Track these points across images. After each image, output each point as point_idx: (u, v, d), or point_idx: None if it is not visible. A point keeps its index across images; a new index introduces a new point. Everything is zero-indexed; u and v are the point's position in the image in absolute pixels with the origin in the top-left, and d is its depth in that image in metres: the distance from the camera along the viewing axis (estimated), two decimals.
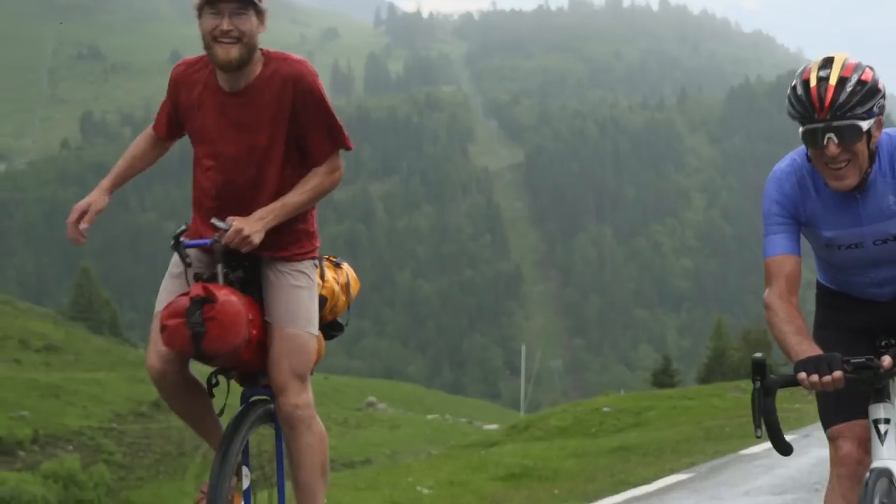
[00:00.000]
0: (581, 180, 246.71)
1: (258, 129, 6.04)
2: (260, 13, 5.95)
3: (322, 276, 6.44)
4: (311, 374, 6.22)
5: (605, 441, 21.66)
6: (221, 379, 6.16)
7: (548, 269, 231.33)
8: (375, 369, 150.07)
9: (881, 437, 4.85)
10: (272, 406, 6.16)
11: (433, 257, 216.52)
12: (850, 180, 5.02)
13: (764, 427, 4.68)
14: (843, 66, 4.97)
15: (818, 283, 5.86)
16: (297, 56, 6.17)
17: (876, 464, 4.83)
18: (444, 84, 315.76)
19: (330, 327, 6.62)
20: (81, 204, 6.12)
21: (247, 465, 6.07)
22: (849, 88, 4.91)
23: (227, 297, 5.72)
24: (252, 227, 5.86)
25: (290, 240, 6.13)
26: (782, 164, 5.41)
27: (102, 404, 41.38)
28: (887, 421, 4.86)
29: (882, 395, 4.87)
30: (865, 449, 5.08)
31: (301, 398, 5.98)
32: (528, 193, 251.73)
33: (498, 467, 17.50)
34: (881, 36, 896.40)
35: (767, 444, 13.87)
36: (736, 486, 12.60)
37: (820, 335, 5.48)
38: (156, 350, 6.00)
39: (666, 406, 27.86)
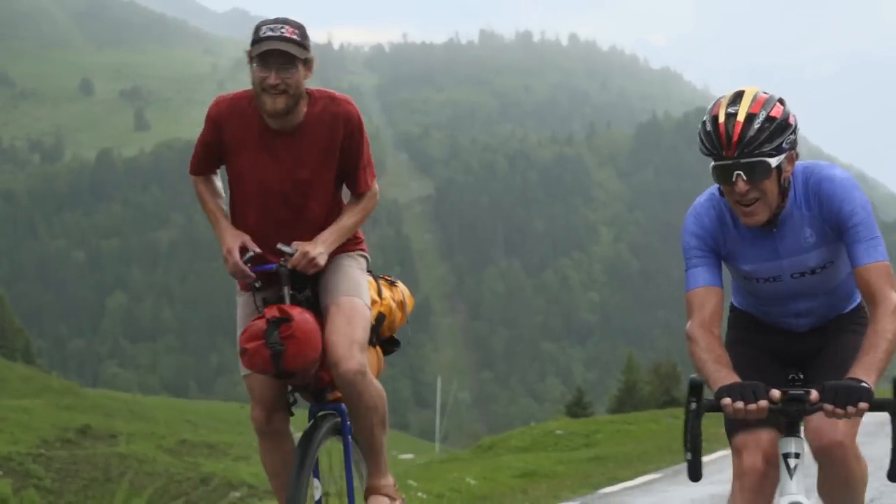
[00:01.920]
0: (490, 213, 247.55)
1: (307, 166, 6.30)
2: (307, 63, 6.20)
3: (379, 294, 6.74)
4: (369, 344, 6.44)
5: (576, 454, 23.92)
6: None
7: (456, 301, 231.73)
8: None
9: (790, 472, 4.82)
10: (339, 420, 6.42)
11: None
12: (760, 216, 5.03)
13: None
14: (753, 102, 4.96)
15: (732, 306, 5.82)
16: (342, 94, 6.48)
17: (786, 499, 4.81)
18: None
19: (388, 343, 6.92)
20: (230, 246, 6.27)
21: (317, 478, 6.29)
22: (756, 125, 4.89)
23: (302, 315, 6.02)
24: (317, 249, 6.18)
25: (338, 248, 6.41)
26: (702, 198, 5.40)
27: (30, 431, 41.73)
28: (797, 455, 4.82)
29: (794, 430, 4.85)
30: (770, 462, 5.11)
31: (359, 363, 6.17)
32: (437, 226, 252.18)
33: (510, 469, 19.87)
34: (787, 73, 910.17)
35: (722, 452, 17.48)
36: (712, 475, 13.97)
37: (733, 352, 5.37)
38: (257, 402, 6.28)
39: (610, 430, 29.91)
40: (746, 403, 4.58)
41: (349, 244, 6.55)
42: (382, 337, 6.78)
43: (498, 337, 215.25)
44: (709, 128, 4.93)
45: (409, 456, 56.07)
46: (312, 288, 6.35)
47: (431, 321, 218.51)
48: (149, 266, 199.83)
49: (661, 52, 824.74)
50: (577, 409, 56.78)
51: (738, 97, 4.97)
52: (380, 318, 6.67)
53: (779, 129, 4.89)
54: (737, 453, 5.20)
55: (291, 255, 6.14)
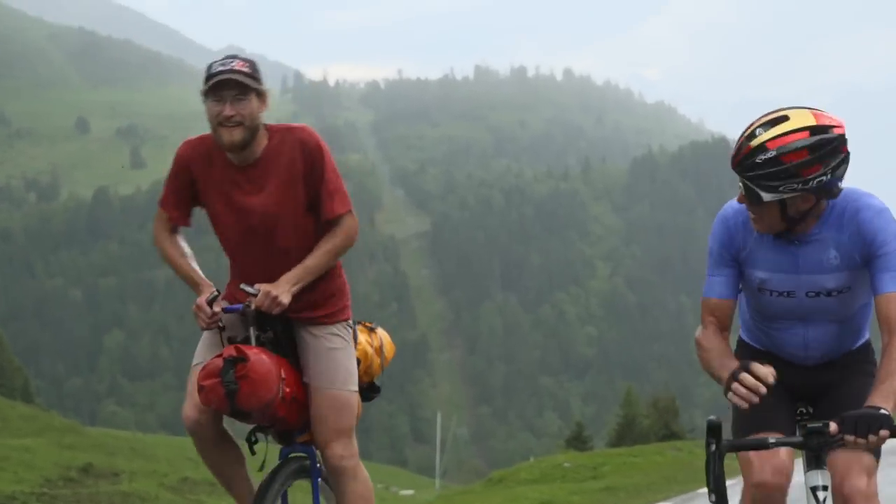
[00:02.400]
0: (487, 248, 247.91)
1: (272, 198, 6.32)
2: (261, 95, 6.24)
3: (355, 339, 6.68)
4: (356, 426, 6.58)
5: (586, 485, 24.65)
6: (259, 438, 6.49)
7: (454, 336, 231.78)
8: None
9: None
10: (307, 462, 6.49)
11: None
12: (760, 227, 5.14)
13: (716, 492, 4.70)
14: (781, 135, 4.93)
15: (739, 340, 5.82)
16: (299, 125, 6.50)
17: None
18: (350, 152, 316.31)
19: (367, 389, 6.94)
20: (202, 301, 6.27)
21: None
22: (760, 159, 4.92)
23: (258, 357, 6.02)
24: (280, 289, 6.14)
25: (319, 298, 6.41)
26: (732, 201, 5.39)
27: (33, 470, 41.55)
28: (825, 488, 4.89)
29: (821, 463, 4.91)
30: (783, 473, 5.19)
31: (346, 449, 6.31)
32: (434, 261, 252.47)
33: (527, 499, 20.86)
34: (780, 105, 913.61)
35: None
36: (703, 498, 16.10)
37: None
38: (191, 401, 6.29)
39: (617, 462, 30.49)
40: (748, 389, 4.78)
41: (334, 309, 6.54)
42: (361, 383, 6.79)
43: (495, 372, 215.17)
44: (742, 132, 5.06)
45: (409, 492, 56.12)
46: (277, 332, 6.39)
47: (429, 357, 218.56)
48: (146, 304, 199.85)
49: (655, 86, 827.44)
50: (577, 443, 56.97)
51: (776, 122, 5.00)
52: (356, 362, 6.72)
53: (783, 174, 4.90)
54: (746, 466, 5.28)
55: (255, 295, 6.18)
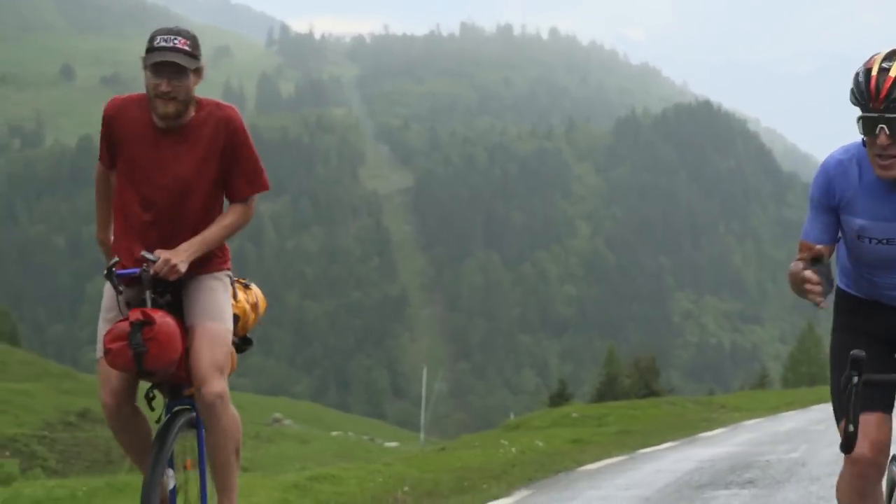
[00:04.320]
0: (469, 206, 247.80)
1: (188, 165, 6.56)
2: (197, 70, 6.53)
3: (234, 297, 6.96)
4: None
5: (602, 429, 27.21)
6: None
7: (434, 292, 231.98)
8: (261, 387, 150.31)
9: None
10: (193, 415, 6.63)
11: (321, 278, 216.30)
12: (886, 170, 5.08)
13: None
14: None
15: (837, 289, 5.76)
16: (228, 103, 6.81)
17: None
18: (335, 106, 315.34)
19: (242, 342, 7.12)
20: (102, 237, 6.91)
21: (171, 468, 6.54)
22: None
23: (164, 319, 6.28)
24: (178, 257, 6.37)
25: (204, 259, 6.63)
26: (836, 151, 5.39)
27: (33, 413, 42.81)
28: None
29: None
30: (879, 448, 5.28)
31: (220, 387, 6.42)
32: (416, 218, 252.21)
33: (559, 438, 23.23)
34: (764, 70, 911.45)
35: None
36: (705, 445, 21.01)
37: (839, 338, 5.58)
38: (108, 387, 6.46)
39: (618, 414, 32.82)
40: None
41: (215, 263, 6.80)
42: (237, 336, 7.00)
43: (475, 329, 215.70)
44: (861, 79, 5.03)
45: (393, 444, 57.23)
46: (174, 293, 6.59)
47: (409, 312, 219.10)
48: None
49: (640, 46, 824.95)
50: (560, 400, 57.83)
51: (894, 54, 5.03)
52: (234, 319, 6.90)
53: None
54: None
55: (154, 261, 6.35)
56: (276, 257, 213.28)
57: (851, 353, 4.71)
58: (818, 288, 4.98)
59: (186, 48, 6.45)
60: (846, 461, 5.34)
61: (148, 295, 6.41)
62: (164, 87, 6.41)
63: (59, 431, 42.01)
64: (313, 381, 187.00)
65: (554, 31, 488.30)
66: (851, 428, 4.70)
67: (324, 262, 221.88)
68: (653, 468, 15.70)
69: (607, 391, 61.39)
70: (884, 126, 4.93)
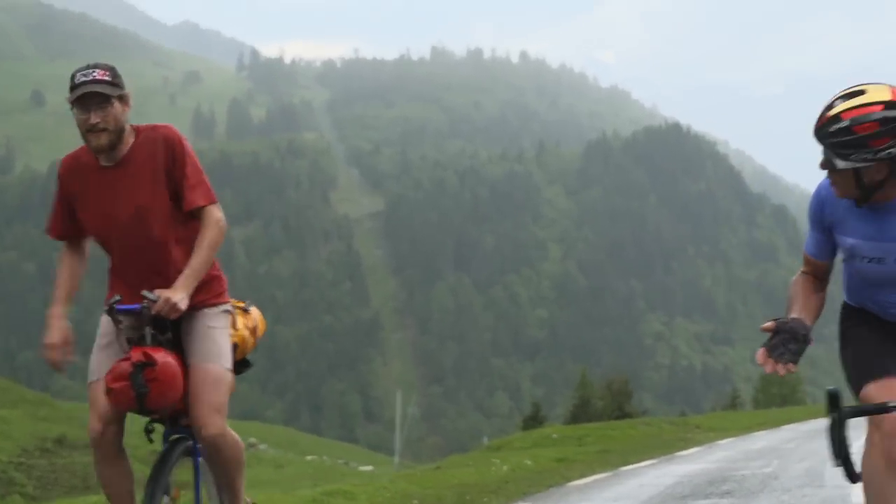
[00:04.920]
0: (440, 229, 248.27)
1: (141, 192, 6.58)
2: (123, 98, 6.56)
3: (234, 325, 7.02)
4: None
5: (584, 448, 27.83)
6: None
7: (406, 316, 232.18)
8: (234, 412, 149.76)
9: None
10: (190, 443, 6.68)
11: (293, 303, 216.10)
12: (839, 192, 5.29)
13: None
14: (855, 107, 5.09)
15: (843, 304, 5.93)
16: (163, 124, 6.81)
17: None
18: (306, 131, 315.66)
19: (239, 364, 7.14)
20: (54, 340, 6.61)
21: (167, 495, 6.55)
22: (834, 128, 5.10)
23: (165, 359, 6.33)
24: (178, 295, 6.36)
25: (199, 287, 6.62)
26: None
27: (10, 440, 42.59)
28: None
29: None
30: None
31: (219, 428, 6.51)
32: (387, 241, 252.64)
33: (544, 458, 23.72)
34: (734, 93, 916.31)
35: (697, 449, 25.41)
36: (683, 462, 21.24)
37: (850, 335, 5.76)
38: (96, 414, 6.51)
39: (597, 434, 33.15)
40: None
41: (213, 295, 6.83)
42: (235, 360, 7.05)
43: (447, 352, 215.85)
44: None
45: (368, 468, 57.26)
46: (173, 330, 6.63)
47: (381, 336, 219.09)
48: (100, 279, 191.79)
49: (610, 69, 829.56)
50: (534, 422, 57.95)
51: (854, 95, 5.18)
52: (233, 348, 6.94)
53: (852, 144, 5.10)
54: (877, 418, 5.38)
55: (155, 301, 6.37)
56: (247, 282, 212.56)
57: (827, 389, 4.91)
58: (769, 363, 5.16)
59: (106, 78, 6.52)
60: (871, 431, 5.36)
61: (147, 332, 6.47)
62: (92, 120, 6.47)
63: (36, 458, 41.90)
64: (286, 405, 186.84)
65: (524, 55, 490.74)
66: (838, 463, 4.93)
67: (295, 286, 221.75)
68: (636, 483, 16.43)
69: (581, 413, 61.57)
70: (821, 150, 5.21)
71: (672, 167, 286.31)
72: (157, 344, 6.47)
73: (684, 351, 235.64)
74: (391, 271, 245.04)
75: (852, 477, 5.07)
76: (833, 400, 4.87)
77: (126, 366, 6.26)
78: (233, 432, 6.70)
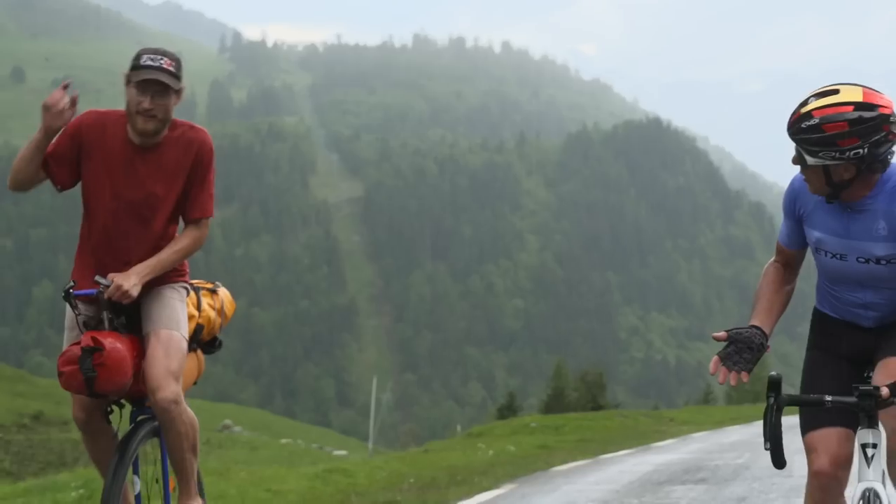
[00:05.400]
0: (419, 217, 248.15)
1: (160, 182, 6.71)
2: (178, 92, 6.68)
3: (198, 307, 7.17)
4: (193, 384, 7.14)
5: (563, 437, 28.81)
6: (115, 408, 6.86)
7: (382, 303, 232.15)
8: (208, 394, 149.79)
9: (868, 461, 5.20)
10: (157, 423, 6.77)
11: (270, 286, 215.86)
12: (811, 188, 5.47)
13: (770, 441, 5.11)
14: (828, 106, 5.24)
15: (815, 310, 6.04)
16: (200, 126, 6.93)
17: (863, 485, 5.20)
18: (286, 114, 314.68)
19: (208, 344, 7.36)
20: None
21: (136, 475, 6.80)
22: (805, 125, 5.25)
23: (113, 345, 6.42)
24: (130, 282, 6.51)
25: (161, 278, 6.81)
26: None
27: None
28: (874, 446, 5.20)
29: (872, 422, 5.19)
30: (838, 463, 5.55)
31: (173, 392, 6.57)
32: (366, 228, 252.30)
33: (526, 444, 24.77)
34: (714, 89, 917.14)
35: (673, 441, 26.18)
36: (659, 452, 22.46)
37: (811, 356, 5.91)
38: (78, 402, 6.69)
39: (574, 424, 34.17)
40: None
41: (172, 274, 6.93)
42: (203, 341, 7.25)
43: (422, 340, 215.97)
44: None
45: (342, 452, 57.41)
46: (130, 314, 6.73)
47: (357, 322, 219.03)
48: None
49: (591, 62, 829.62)
50: (508, 412, 58.33)
51: (827, 94, 5.34)
52: (198, 329, 7.11)
53: (822, 142, 5.24)
54: (809, 453, 5.65)
55: (108, 286, 6.49)
56: (224, 264, 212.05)
57: (769, 375, 5.08)
58: (721, 372, 5.41)
59: (171, 69, 6.64)
60: (809, 476, 5.63)
61: (105, 316, 6.59)
62: (146, 105, 6.59)
63: (13, 434, 42.22)
64: (260, 388, 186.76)
65: (506, 45, 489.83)
66: (769, 446, 5.11)
67: (272, 270, 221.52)
68: (616, 469, 17.15)
69: (555, 404, 61.85)
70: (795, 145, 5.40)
71: (651, 162, 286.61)
72: (113, 329, 6.60)
73: (658, 345, 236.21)
74: (368, 258, 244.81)
75: (777, 463, 5.18)
76: (773, 385, 5.07)
77: (76, 350, 6.40)
78: (189, 410, 6.77)
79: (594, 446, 24.52)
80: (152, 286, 6.77)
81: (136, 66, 6.64)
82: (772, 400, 5.05)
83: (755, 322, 5.65)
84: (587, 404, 57.34)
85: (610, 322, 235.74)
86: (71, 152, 6.77)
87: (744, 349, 5.44)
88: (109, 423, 6.84)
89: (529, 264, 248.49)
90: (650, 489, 13.60)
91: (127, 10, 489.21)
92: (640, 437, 28.21)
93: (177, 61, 6.72)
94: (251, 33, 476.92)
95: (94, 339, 6.40)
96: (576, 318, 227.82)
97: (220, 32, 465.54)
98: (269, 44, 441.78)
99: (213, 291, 7.43)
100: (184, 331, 6.85)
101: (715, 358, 5.42)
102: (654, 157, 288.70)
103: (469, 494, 13.92)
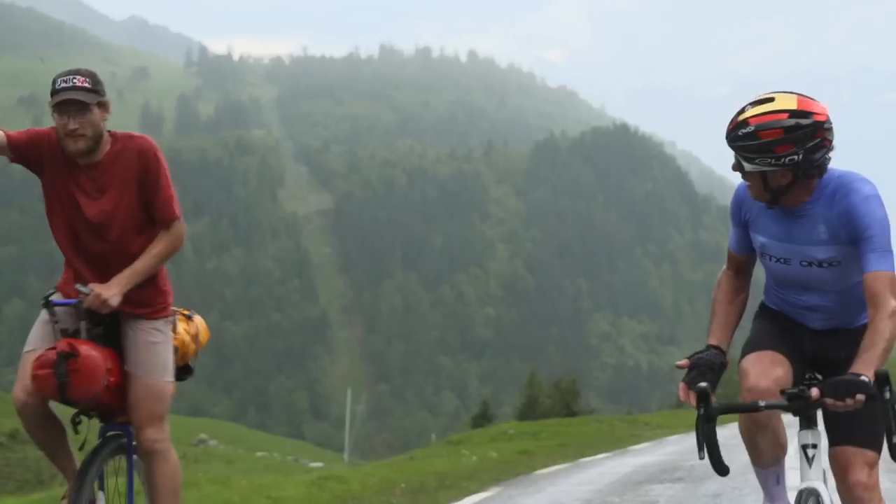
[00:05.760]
0: (388, 228, 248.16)
1: (108, 197, 6.71)
2: (103, 105, 6.66)
3: (174, 330, 7.15)
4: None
5: (542, 443, 29.29)
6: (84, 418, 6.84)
7: (354, 314, 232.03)
8: (181, 408, 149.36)
9: (809, 461, 5.30)
10: (125, 440, 6.85)
11: (241, 299, 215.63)
12: (752, 194, 5.61)
13: (706, 449, 5.23)
14: (763, 114, 5.38)
15: (761, 304, 6.24)
16: (140, 134, 6.88)
17: (804, 484, 5.30)
18: (254, 127, 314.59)
19: (181, 371, 7.28)
20: None
21: (102, 490, 6.74)
22: (742, 132, 5.39)
23: (89, 353, 6.45)
24: (110, 291, 6.54)
25: (145, 297, 6.84)
26: None
27: None
28: (815, 446, 5.29)
29: (811, 423, 5.29)
30: (771, 377, 5.67)
31: (158, 434, 6.73)
32: (336, 239, 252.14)
33: (506, 450, 25.31)
34: (680, 93, 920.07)
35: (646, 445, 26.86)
36: (636, 455, 23.20)
37: (757, 326, 6.07)
38: (21, 385, 6.64)
39: (551, 430, 34.72)
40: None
41: (157, 309, 6.96)
42: (176, 366, 7.14)
43: (394, 350, 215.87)
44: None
45: (318, 464, 57.60)
46: (107, 325, 6.76)
47: (329, 334, 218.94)
48: (46, 274, 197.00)
49: (558, 69, 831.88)
50: (483, 420, 58.49)
51: (763, 102, 5.48)
52: (173, 351, 7.08)
53: (757, 148, 5.38)
54: (742, 376, 5.80)
55: (87, 295, 6.55)
56: (195, 278, 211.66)
57: (697, 386, 5.22)
58: (690, 396, 5.46)
59: (86, 85, 6.61)
60: (743, 392, 5.72)
61: (83, 326, 6.63)
62: (70, 125, 6.56)
63: None
64: (233, 402, 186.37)
65: (472, 54, 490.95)
66: (702, 455, 5.23)
67: (243, 283, 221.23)
68: (596, 472, 17.84)
69: (528, 412, 61.89)
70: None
71: (619, 168, 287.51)
72: (90, 338, 6.62)
73: (630, 351, 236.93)
74: (339, 269, 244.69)
75: (719, 470, 5.31)
76: (702, 397, 5.20)
77: (51, 354, 6.42)
78: (174, 454, 6.88)
79: (573, 451, 25.06)
80: (137, 316, 6.84)
81: (53, 91, 6.64)
82: (701, 411, 5.18)
83: (712, 341, 5.82)
84: (561, 411, 57.40)
85: (581, 328, 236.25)
86: (28, 154, 6.79)
87: (706, 371, 5.59)
88: (51, 410, 6.73)
89: (500, 272, 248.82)
90: (630, 488, 14.19)
91: (92, 26, 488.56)
92: (616, 441, 28.77)
93: (91, 76, 6.71)
94: (217, 47, 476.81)
95: (70, 344, 6.45)
96: (547, 326, 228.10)
97: (186, 46, 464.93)
98: (236, 57, 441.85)
99: (189, 318, 7.47)
100: (170, 376, 6.92)
101: (682, 385, 5.55)
102: (622, 163, 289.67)
103: (458, 497, 14.43)
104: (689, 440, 27.91)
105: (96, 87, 6.66)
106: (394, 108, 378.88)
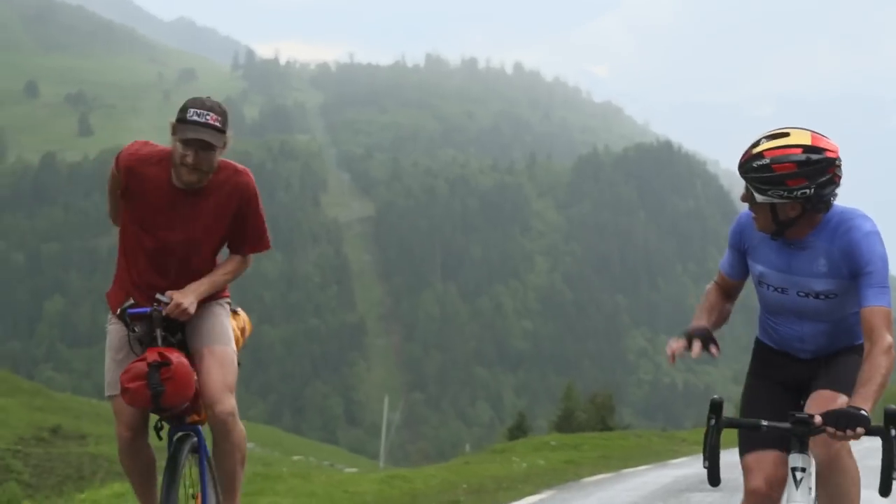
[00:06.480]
0: (429, 237, 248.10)
1: (201, 226, 6.87)
2: (224, 143, 6.82)
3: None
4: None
5: (584, 454, 29.62)
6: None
7: (391, 322, 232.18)
8: None
9: (797, 483, 5.47)
10: (195, 439, 7.00)
11: (279, 304, 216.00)
12: (758, 224, 5.88)
13: (709, 458, 5.47)
14: (777, 147, 5.62)
15: (756, 340, 6.49)
16: (244, 167, 7.08)
17: None
18: (298, 133, 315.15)
19: None
20: None
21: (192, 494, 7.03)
22: (756, 164, 5.63)
23: (180, 360, 6.63)
24: (188, 299, 6.73)
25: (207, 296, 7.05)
26: None
27: (7, 428, 43.42)
28: (804, 470, 5.47)
29: (804, 448, 5.47)
30: (773, 484, 5.97)
31: (231, 405, 6.83)
32: (376, 247, 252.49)
33: (551, 459, 25.84)
34: (725, 111, 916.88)
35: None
36: (676, 467, 23.90)
37: (751, 383, 6.39)
38: (123, 421, 6.83)
39: (592, 443, 34.64)
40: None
41: (218, 292, 7.18)
42: None
43: (431, 360, 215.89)
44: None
45: (353, 470, 57.83)
46: (182, 331, 6.96)
47: (366, 341, 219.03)
48: (87, 271, 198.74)
49: (603, 83, 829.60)
50: (518, 432, 58.62)
51: (778, 136, 5.73)
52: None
53: (770, 181, 5.63)
54: (745, 472, 6.09)
55: (167, 303, 6.70)
56: (234, 281, 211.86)
57: (711, 398, 5.45)
58: (694, 348, 6.02)
59: (217, 124, 6.71)
60: (745, 494, 6.08)
61: (158, 333, 6.77)
62: (190, 160, 6.69)
63: (32, 446, 42.74)
64: (268, 405, 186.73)
65: (518, 66, 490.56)
66: (707, 464, 5.50)
67: (283, 287, 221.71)
68: (640, 480, 18.73)
69: (564, 425, 61.93)
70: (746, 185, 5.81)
71: (662, 185, 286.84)
72: (169, 345, 6.80)
73: (667, 368, 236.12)
74: (378, 277, 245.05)
75: (713, 480, 5.56)
76: (715, 408, 5.44)
77: (142, 366, 6.57)
78: (241, 423, 6.99)
79: (615, 462, 25.61)
80: (200, 303, 7.00)
81: (181, 119, 6.74)
82: (713, 422, 5.42)
83: (697, 324, 6.26)
84: (596, 425, 57.43)
85: (618, 344, 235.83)
86: (124, 191, 6.98)
87: (696, 336, 6.10)
88: (148, 442, 7.01)
89: (538, 285, 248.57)
90: (673, 495, 15.00)
91: (141, 25, 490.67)
92: (655, 455, 29.26)
93: (223, 115, 6.79)
94: (264, 51, 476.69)
95: (160, 354, 6.61)
96: (584, 340, 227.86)
97: (234, 50, 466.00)
98: (282, 62, 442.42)
99: (235, 312, 7.59)
100: (233, 345, 7.13)
101: (676, 339, 6.08)
102: (664, 180, 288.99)
103: (517, 498, 15.43)
104: (725, 456, 28.15)
105: (224, 127, 6.78)
106: (438, 117, 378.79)
